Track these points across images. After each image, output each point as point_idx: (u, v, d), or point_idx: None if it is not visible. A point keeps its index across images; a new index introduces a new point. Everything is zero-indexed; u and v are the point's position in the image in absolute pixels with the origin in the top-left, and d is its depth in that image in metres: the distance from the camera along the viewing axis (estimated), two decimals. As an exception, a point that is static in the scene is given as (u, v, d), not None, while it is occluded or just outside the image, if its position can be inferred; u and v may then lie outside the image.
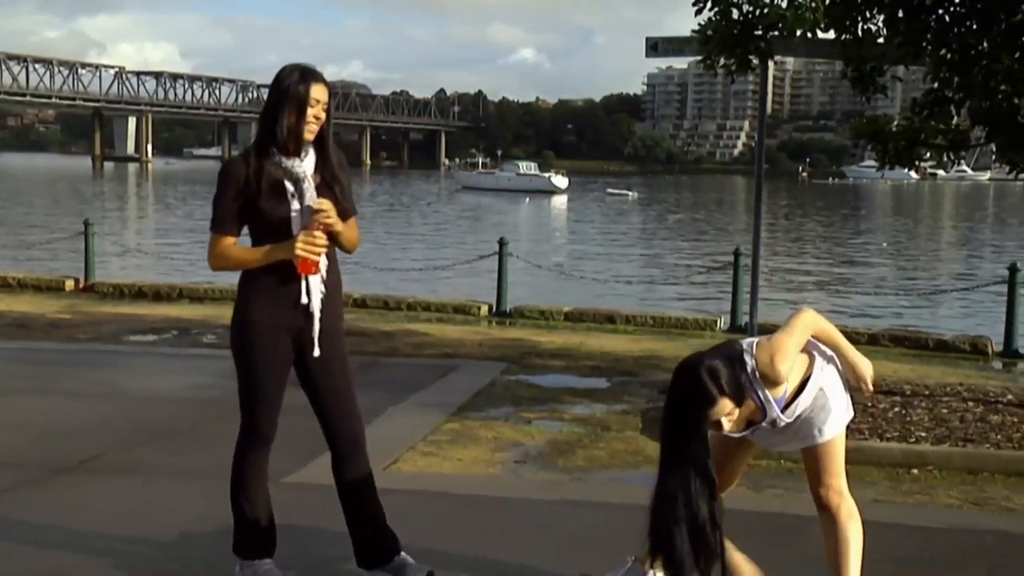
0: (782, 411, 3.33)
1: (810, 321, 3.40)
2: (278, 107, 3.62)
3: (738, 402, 3.21)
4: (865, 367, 3.49)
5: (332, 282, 3.77)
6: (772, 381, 3.26)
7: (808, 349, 3.41)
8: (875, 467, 5.85)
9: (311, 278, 3.68)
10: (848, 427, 3.56)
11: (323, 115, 3.66)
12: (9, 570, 4.05)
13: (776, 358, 3.25)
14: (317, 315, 3.71)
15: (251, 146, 3.71)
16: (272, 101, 3.65)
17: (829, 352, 3.46)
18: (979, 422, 6.62)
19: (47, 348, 9.20)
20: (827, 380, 3.41)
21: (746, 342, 3.35)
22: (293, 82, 3.60)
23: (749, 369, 3.23)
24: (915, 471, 5.84)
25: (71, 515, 4.70)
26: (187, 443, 6.05)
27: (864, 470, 5.77)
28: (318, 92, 3.62)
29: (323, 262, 3.71)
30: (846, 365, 3.47)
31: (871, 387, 3.50)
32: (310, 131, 3.66)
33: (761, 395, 3.27)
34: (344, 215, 3.76)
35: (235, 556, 3.88)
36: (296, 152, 3.67)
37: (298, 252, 3.57)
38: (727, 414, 3.19)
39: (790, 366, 3.29)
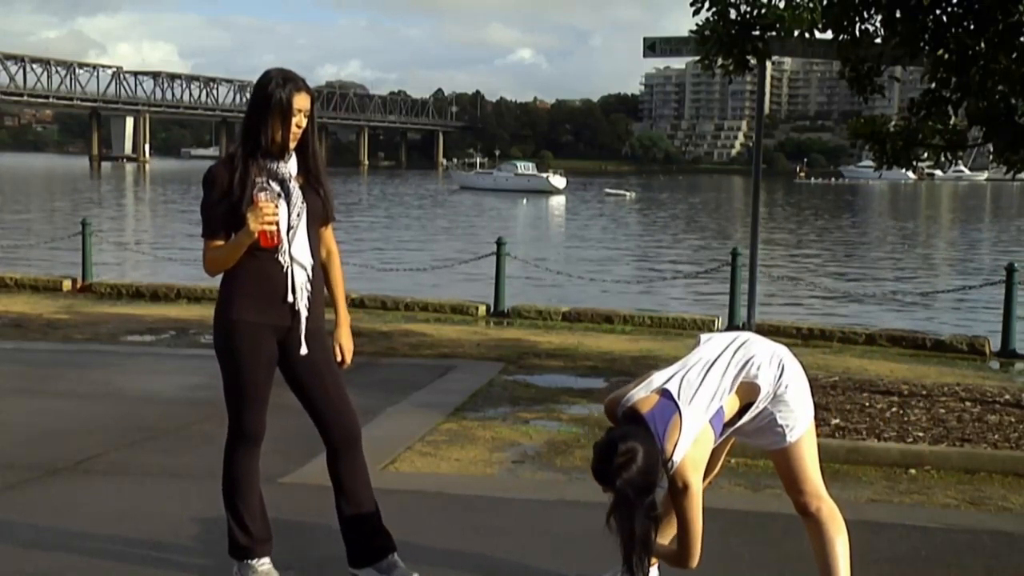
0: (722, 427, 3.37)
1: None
2: (262, 115, 3.61)
3: None
4: None
5: (316, 283, 3.77)
6: None
7: (752, 381, 3.37)
8: (872, 467, 5.85)
9: (296, 277, 3.68)
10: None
11: (304, 122, 3.67)
12: (1, 571, 4.04)
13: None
14: (304, 313, 3.72)
15: (234, 150, 3.69)
16: (255, 108, 3.64)
17: (786, 377, 3.42)
18: (976, 422, 6.62)
19: (43, 348, 9.18)
20: (781, 397, 3.40)
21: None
22: (276, 90, 3.59)
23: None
24: (912, 471, 5.84)
25: (65, 516, 4.68)
26: (183, 443, 6.03)
27: (861, 470, 5.79)
28: (300, 101, 3.62)
29: (307, 261, 3.72)
30: None
31: None
32: (293, 138, 3.66)
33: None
34: (327, 219, 3.83)
35: (231, 558, 3.88)
36: (281, 156, 3.68)
37: (253, 229, 3.55)
38: None
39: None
